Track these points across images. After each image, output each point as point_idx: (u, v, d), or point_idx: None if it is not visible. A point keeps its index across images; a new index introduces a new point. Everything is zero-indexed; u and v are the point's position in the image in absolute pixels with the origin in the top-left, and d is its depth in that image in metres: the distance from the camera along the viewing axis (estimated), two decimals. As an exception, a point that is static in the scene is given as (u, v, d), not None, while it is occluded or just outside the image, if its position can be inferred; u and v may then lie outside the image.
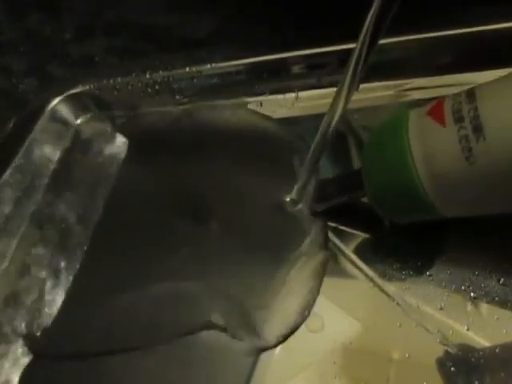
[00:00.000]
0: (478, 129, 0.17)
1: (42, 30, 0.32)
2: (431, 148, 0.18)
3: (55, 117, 0.32)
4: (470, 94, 0.18)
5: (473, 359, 0.19)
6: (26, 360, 0.23)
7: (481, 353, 0.19)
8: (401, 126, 0.19)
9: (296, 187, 0.24)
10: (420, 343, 0.20)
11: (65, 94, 0.33)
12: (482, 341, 0.19)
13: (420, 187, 0.18)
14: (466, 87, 0.18)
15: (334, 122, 0.20)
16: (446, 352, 0.19)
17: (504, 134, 0.16)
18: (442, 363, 0.19)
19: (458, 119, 0.17)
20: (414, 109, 0.20)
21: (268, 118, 0.30)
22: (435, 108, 0.19)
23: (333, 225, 0.24)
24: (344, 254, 0.23)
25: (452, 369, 0.18)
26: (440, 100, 0.19)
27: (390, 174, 0.19)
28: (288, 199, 0.25)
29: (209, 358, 0.21)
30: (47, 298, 0.25)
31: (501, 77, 0.18)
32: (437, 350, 0.19)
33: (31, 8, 0.32)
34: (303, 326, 0.21)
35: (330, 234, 0.24)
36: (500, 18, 0.26)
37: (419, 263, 0.22)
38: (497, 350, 0.19)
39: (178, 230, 0.26)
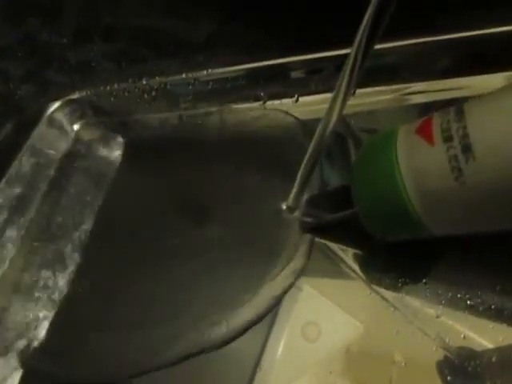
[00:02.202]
0: (467, 149, 0.16)
1: (40, 36, 0.32)
2: (420, 167, 0.18)
3: (53, 123, 0.33)
4: (459, 112, 0.17)
5: (471, 366, 0.18)
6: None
7: (478, 361, 0.19)
8: (389, 144, 0.19)
9: (292, 194, 0.24)
10: (419, 349, 0.20)
11: (62, 100, 0.33)
12: (478, 350, 0.19)
13: (409, 205, 0.18)
14: (465, 91, 0.17)
15: (330, 127, 0.20)
16: (446, 357, 0.19)
17: (494, 155, 0.16)
18: (441, 369, 0.19)
19: (447, 138, 0.17)
20: (403, 126, 0.19)
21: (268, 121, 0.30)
22: (424, 126, 0.18)
23: (323, 241, 0.24)
24: (342, 260, 0.23)
25: (451, 376, 0.18)
26: (428, 117, 0.18)
27: (379, 191, 0.19)
28: (284, 207, 0.24)
29: (209, 365, 0.21)
30: (44, 301, 0.25)
31: (490, 92, 0.17)
32: (436, 355, 0.19)
33: (29, 13, 0.32)
34: (301, 335, 0.21)
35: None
36: (499, 21, 0.26)
37: (415, 271, 0.22)
38: (493, 359, 0.18)
39: (177, 233, 0.26)
